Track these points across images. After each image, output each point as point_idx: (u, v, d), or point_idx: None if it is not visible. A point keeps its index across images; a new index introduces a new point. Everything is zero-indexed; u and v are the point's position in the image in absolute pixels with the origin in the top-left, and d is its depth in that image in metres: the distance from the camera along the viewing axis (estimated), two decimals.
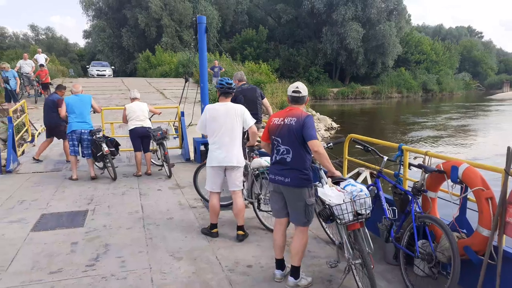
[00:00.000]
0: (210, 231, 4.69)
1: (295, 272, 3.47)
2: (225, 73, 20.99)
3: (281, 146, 3.43)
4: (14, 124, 8.65)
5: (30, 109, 13.38)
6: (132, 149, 7.73)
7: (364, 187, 3.32)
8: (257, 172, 4.92)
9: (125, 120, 7.53)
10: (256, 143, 4.87)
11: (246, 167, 5.01)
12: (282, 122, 3.46)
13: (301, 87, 3.51)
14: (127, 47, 44.01)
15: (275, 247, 3.64)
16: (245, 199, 5.07)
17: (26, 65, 16.05)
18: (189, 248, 4.30)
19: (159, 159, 8.12)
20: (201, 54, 8.70)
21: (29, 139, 10.65)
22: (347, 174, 6.28)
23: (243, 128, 4.58)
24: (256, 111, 6.41)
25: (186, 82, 9.77)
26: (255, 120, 4.81)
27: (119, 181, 7.29)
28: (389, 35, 42.99)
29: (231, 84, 4.60)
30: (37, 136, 10.99)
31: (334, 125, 21.66)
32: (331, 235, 4.55)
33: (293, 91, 3.51)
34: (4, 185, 6.78)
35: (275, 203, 3.60)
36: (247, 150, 5.14)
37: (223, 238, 4.58)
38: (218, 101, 4.65)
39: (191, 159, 8.97)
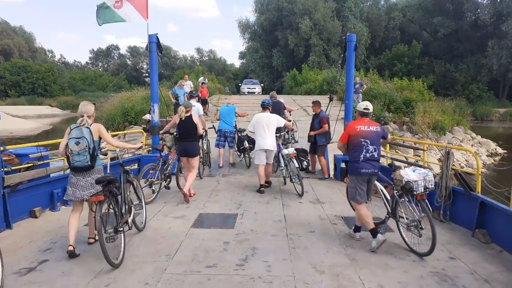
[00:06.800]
0: (259, 189, 7.58)
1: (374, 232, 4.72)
2: (370, 89, 20.26)
3: (370, 146, 4.78)
4: None
5: None
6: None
7: (428, 171, 4.74)
8: (287, 158, 7.50)
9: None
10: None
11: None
12: (369, 129, 4.83)
13: (370, 106, 5.01)
14: (276, 67, 46.73)
15: (367, 219, 4.78)
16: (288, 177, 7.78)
17: (186, 86, 18.08)
18: (331, 264, 4.28)
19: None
20: (349, 72, 8.66)
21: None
22: None
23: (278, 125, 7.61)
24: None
25: (330, 101, 9.80)
26: (284, 120, 7.92)
27: (264, 190, 7.72)
28: None
29: (265, 102, 7.79)
30: None
31: (500, 150, 18.81)
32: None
33: (364, 108, 4.98)
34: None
35: (362, 190, 4.86)
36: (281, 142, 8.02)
37: (365, 259, 4.43)
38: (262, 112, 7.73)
39: (330, 175, 8.96)
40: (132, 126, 16.88)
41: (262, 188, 7.57)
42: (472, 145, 18.09)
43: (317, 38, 42.77)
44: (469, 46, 43.59)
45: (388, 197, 4.98)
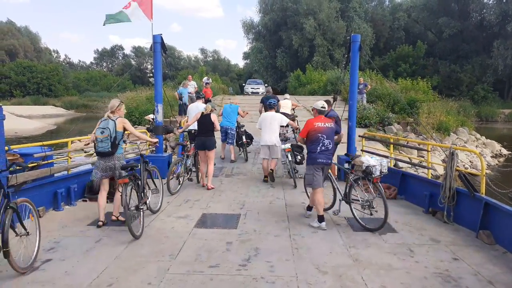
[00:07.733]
0: (264, 179, 8.53)
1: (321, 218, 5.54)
2: (375, 90, 20.21)
3: (326, 140, 5.54)
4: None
5: None
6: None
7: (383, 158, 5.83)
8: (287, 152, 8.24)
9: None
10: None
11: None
12: (325, 125, 5.61)
13: (326, 105, 5.92)
14: (280, 67, 46.70)
15: (319, 206, 5.52)
16: (289, 171, 8.65)
17: (190, 86, 17.99)
18: (334, 264, 4.27)
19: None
20: (353, 73, 8.63)
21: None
22: None
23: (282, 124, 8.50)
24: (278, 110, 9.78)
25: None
26: (288, 120, 8.73)
27: (267, 190, 7.74)
28: None
29: (271, 102, 8.67)
30: None
31: (504, 151, 18.68)
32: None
33: (322, 107, 5.81)
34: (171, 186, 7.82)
35: (320, 178, 5.58)
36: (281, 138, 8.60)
37: (368, 260, 4.41)
38: (266, 111, 8.80)
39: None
40: (136, 126, 16.92)
41: (266, 178, 8.50)
42: (476, 146, 17.97)
43: (322, 39, 42.71)
44: (475, 47, 43.38)
45: (336, 183, 5.93)
